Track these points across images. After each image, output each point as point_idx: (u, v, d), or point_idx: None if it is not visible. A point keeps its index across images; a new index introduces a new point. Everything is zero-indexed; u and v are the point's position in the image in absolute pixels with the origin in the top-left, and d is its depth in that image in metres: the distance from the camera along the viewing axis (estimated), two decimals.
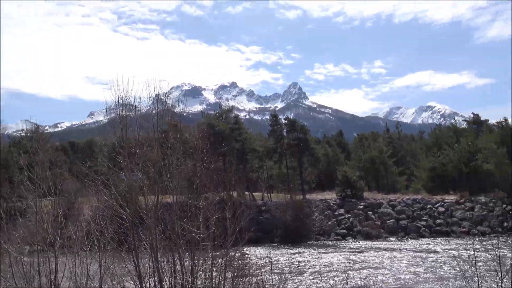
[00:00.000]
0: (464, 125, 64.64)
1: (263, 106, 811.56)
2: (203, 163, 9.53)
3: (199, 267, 8.03)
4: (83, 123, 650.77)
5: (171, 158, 8.77)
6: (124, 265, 8.09)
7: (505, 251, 20.87)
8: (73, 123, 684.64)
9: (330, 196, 45.09)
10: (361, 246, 31.98)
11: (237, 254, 9.00)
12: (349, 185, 41.97)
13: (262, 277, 9.40)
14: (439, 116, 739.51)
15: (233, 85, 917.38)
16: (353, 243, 33.76)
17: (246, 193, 44.86)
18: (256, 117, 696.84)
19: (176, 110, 10.63)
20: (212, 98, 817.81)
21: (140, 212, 8.24)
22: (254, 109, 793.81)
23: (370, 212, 38.83)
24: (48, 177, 8.49)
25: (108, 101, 8.86)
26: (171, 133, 9.49)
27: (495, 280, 6.69)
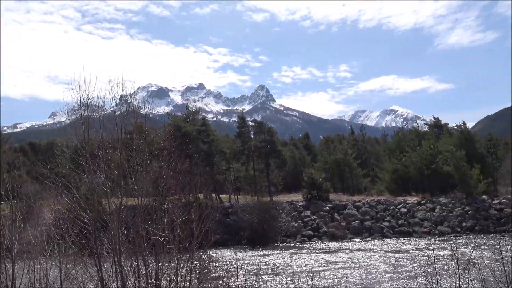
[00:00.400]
0: (426, 128, 66.72)
1: (230, 108, 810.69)
2: (169, 165, 9.41)
3: (164, 271, 7.92)
4: (44, 123, 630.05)
5: (136, 160, 8.61)
6: (86, 270, 7.87)
7: (463, 250, 21.65)
8: (34, 124, 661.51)
9: (297, 197, 45.49)
10: (326, 247, 32.41)
11: (203, 257, 8.93)
12: (315, 187, 42.49)
13: (228, 279, 9.37)
14: (401, 120, 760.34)
15: (201, 86, 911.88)
16: (319, 244, 34.17)
17: (213, 195, 44.61)
18: (224, 119, 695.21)
19: (142, 111, 10.46)
20: (179, 100, 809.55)
21: (103, 215, 8.04)
22: (222, 111, 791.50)
23: (336, 214, 39.44)
24: (5, 180, 8.17)
25: (70, 101, 8.62)
26: (136, 134, 9.32)
27: (453, 278, 6.94)
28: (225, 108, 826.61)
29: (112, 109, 9.58)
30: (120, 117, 8.77)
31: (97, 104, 9.07)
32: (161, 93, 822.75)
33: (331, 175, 55.40)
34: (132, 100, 10.42)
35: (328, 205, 40.76)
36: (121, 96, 9.45)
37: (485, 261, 7.89)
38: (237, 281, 9.37)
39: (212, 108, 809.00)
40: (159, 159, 9.67)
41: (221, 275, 9.38)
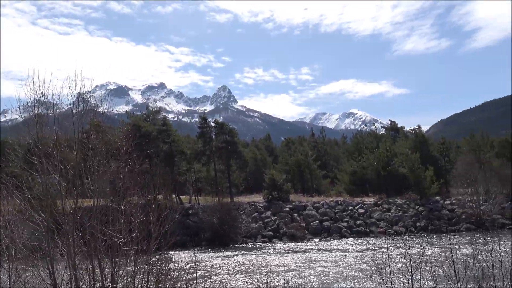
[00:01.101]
0: (383, 131, 68.76)
1: (192, 108, 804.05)
2: (127, 165, 9.21)
3: (121, 273, 7.72)
4: None
5: (93, 160, 8.36)
6: (37, 274, 7.54)
7: (416, 249, 22.47)
8: None
9: (258, 198, 45.67)
10: (286, 248, 32.72)
11: (161, 259, 8.78)
12: (276, 188, 42.82)
13: (187, 281, 9.26)
14: (360, 123, 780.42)
15: (162, 86, 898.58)
16: (279, 245, 34.44)
17: (173, 196, 44.06)
18: (185, 119, 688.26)
19: (100, 109, 10.17)
20: (139, 99, 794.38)
21: (57, 216, 7.75)
22: (183, 111, 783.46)
23: (296, 214, 39.89)
24: None
25: (23, 98, 8.26)
26: (93, 133, 9.06)
27: (406, 276, 7.19)
28: (187, 108, 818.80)
29: (68, 107, 9.27)
30: (77, 115, 8.51)
31: (52, 101, 8.74)
32: (121, 92, 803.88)
33: (291, 176, 55.99)
34: (90, 98, 10.14)
35: (289, 206, 41.18)
36: (79, 93, 9.17)
37: (437, 259, 8.22)
38: (196, 283, 9.28)
39: (173, 108, 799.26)
40: (117, 159, 9.45)
41: (180, 276, 9.27)
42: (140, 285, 8.07)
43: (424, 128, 65.21)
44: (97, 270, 7.64)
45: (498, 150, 61.55)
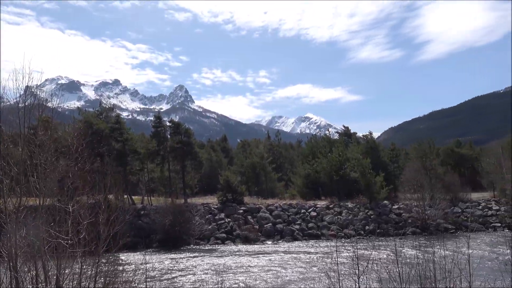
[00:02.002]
0: (336, 136, 70.44)
1: (147, 107, 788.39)
2: (77, 163, 8.89)
3: (66, 276, 7.43)
4: None
5: (40, 157, 8.01)
6: None
7: (364, 252, 23.16)
8: None
9: (212, 200, 45.42)
10: (239, 250, 32.75)
11: (110, 261, 8.53)
12: (231, 190, 42.77)
13: (136, 283, 9.06)
14: (315, 127, 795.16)
15: (116, 82, 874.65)
16: (231, 247, 34.42)
17: (125, 196, 43.00)
18: (140, 117, 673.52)
19: (49, 104, 9.78)
20: (92, 95, 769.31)
21: None
22: (138, 109, 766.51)
23: (250, 216, 40.03)
24: None
25: None
26: (41, 129, 8.67)
27: (354, 278, 7.41)
28: (142, 106, 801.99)
29: (15, 100, 8.82)
30: (24, 109, 8.11)
31: None
32: (72, 87, 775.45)
33: (246, 178, 56.15)
34: (39, 92, 9.73)
35: (243, 208, 41.26)
36: (27, 87, 8.75)
37: (383, 261, 8.52)
38: (146, 285, 9.10)
39: (128, 105, 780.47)
40: (66, 156, 9.11)
41: (129, 279, 9.05)
42: None
43: (376, 135, 67.54)
44: (40, 273, 7.31)
45: (443, 158, 64.92)
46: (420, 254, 8.00)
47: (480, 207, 43.73)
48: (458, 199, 45.07)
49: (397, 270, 7.33)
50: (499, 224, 39.65)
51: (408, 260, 7.83)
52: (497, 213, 41.74)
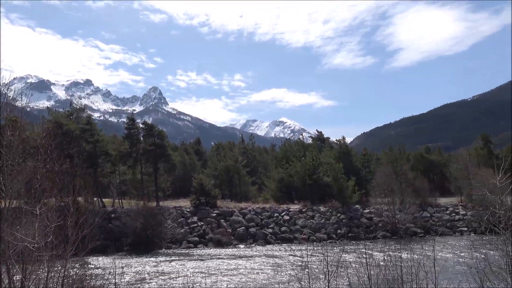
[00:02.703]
0: (310, 141, 71.13)
1: (120, 108, 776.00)
2: (45, 164, 8.67)
3: (32, 281, 7.22)
4: None
5: (7, 158, 7.77)
6: None
7: (335, 255, 23.37)
8: None
9: (185, 203, 45.06)
10: (211, 254, 32.57)
11: (78, 265, 8.34)
12: (204, 193, 42.53)
13: (105, 286, 8.88)
14: (289, 131, 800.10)
15: (88, 82, 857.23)
16: (204, 251, 34.20)
17: (95, 199, 42.14)
18: (112, 119, 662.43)
19: (18, 103, 9.51)
20: (62, 95, 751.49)
21: None
22: (110, 111, 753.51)
23: (223, 220, 39.90)
24: None
25: None
26: (9, 129, 8.42)
27: (324, 282, 7.50)
28: (114, 107, 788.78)
29: None
30: None
31: None
32: (42, 86, 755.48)
33: (220, 181, 55.99)
34: (7, 91, 9.46)
35: (216, 211, 41.09)
36: None
37: (353, 265, 8.66)
38: None
39: (100, 106, 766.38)
40: (35, 157, 8.87)
41: (97, 284, 8.86)
42: None
43: (348, 140, 68.49)
44: (4, 277, 7.08)
45: (413, 163, 66.47)
46: (388, 258, 8.18)
47: (448, 211, 44.97)
48: (427, 204, 46.23)
49: (366, 273, 7.47)
50: (466, 229, 40.84)
51: (377, 264, 7.99)
52: (464, 217, 43.00)
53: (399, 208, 40.86)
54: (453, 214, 44.34)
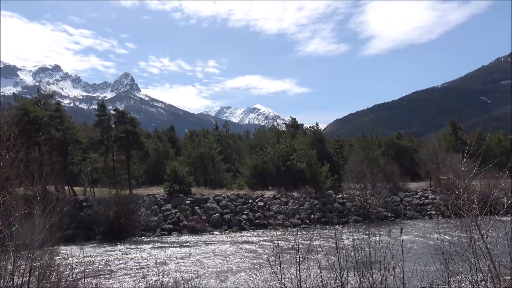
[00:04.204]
0: (284, 127, 71.45)
1: (90, 95, 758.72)
2: (9, 152, 8.38)
3: None
4: None
5: None
6: None
7: (307, 240, 23.72)
8: None
9: (158, 191, 44.70)
10: (185, 241, 32.51)
11: (46, 254, 8.14)
12: (178, 180, 42.25)
13: (74, 278, 8.73)
14: (263, 118, 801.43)
15: (57, 68, 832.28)
16: (178, 238, 34.10)
17: (66, 187, 41.31)
18: (82, 105, 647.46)
19: None
20: (29, 81, 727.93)
21: None
22: (80, 97, 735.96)
23: (197, 207, 39.81)
24: None
25: None
26: None
27: (295, 267, 7.60)
28: (85, 94, 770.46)
29: None
30: None
31: None
32: (8, 72, 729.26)
33: (194, 168, 55.71)
34: None
35: (190, 198, 40.94)
36: None
37: (324, 249, 8.80)
38: (84, 280, 8.79)
39: (69, 93, 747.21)
40: None
41: (67, 274, 8.69)
42: (20, 284, 7.41)
43: (322, 126, 69.23)
44: None
45: (384, 149, 67.78)
46: (358, 241, 8.34)
47: (417, 196, 46.23)
48: (398, 189, 47.39)
49: (337, 257, 7.60)
50: (434, 212, 42.08)
51: (347, 247, 8.13)
52: (433, 201, 44.29)
53: (370, 193, 41.70)
54: (422, 198, 45.61)
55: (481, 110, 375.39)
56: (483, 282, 7.42)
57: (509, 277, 8.00)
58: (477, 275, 7.28)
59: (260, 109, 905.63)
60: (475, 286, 7.33)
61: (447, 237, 8.44)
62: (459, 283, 7.91)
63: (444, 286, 8.94)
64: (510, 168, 10.74)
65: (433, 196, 45.63)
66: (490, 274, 7.14)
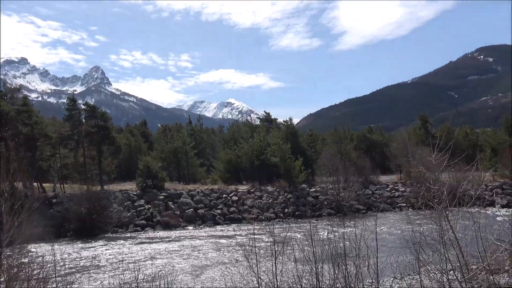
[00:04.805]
0: (258, 122, 71.56)
1: (59, 89, 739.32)
2: None
3: None
4: None
5: None
6: None
7: (282, 234, 23.89)
8: None
9: (131, 186, 44.10)
10: (159, 236, 32.23)
11: (15, 253, 7.90)
12: (151, 176, 41.74)
13: (44, 277, 8.51)
14: (237, 112, 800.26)
15: (23, 61, 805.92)
16: (151, 234, 33.76)
17: (35, 184, 40.19)
18: (51, 99, 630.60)
19: None
20: None
21: None
22: (49, 91, 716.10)
23: (170, 202, 39.46)
24: None
25: None
26: None
27: (272, 260, 7.64)
28: (53, 88, 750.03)
29: None
30: None
31: None
32: None
33: (167, 163, 55.16)
34: None
35: (163, 194, 40.54)
36: None
37: (298, 243, 8.88)
38: (56, 278, 8.59)
39: (37, 86, 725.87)
40: None
41: (37, 273, 8.47)
42: None
43: (295, 121, 69.80)
44: None
45: (356, 143, 68.84)
46: (332, 234, 8.46)
47: (388, 189, 47.21)
48: (369, 182, 48.26)
49: (312, 249, 7.69)
50: (405, 204, 43.09)
51: (322, 240, 8.24)
52: (403, 194, 45.32)
53: (343, 186, 42.31)
54: (393, 191, 46.62)
55: (449, 104, 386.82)
56: (452, 271, 7.66)
57: (476, 266, 8.29)
58: (446, 265, 7.51)
59: (234, 103, 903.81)
60: (445, 275, 7.55)
61: (418, 228, 8.67)
62: (429, 273, 8.13)
63: (415, 276, 9.19)
64: (477, 162, 11.10)
65: (403, 189, 46.69)
66: (458, 264, 7.38)
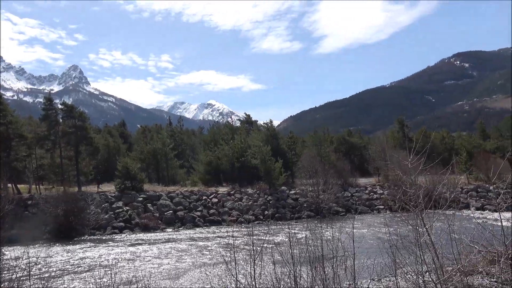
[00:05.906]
0: (238, 123, 71.57)
1: (36, 87, 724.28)
2: None
3: None
4: None
5: None
6: None
7: (261, 236, 23.96)
8: None
9: (109, 188, 43.54)
10: (137, 239, 31.85)
11: None
12: (129, 177, 41.26)
13: (18, 281, 8.31)
14: (218, 114, 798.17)
15: None
16: (129, 236, 33.32)
17: (9, 185, 39.26)
18: (27, 98, 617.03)
19: None
20: None
21: None
22: (25, 90, 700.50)
23: (149, 204, 39.06)
24: None
25: None
26: None
27: (249, 263, 7.65)
28: (30, 86, 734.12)
29: None
30: None
31: None
32: None
33: (147, 165, 54.60)
34: None
35: (142, 195, 40.12)
36: None
37: (278, 245, 8.92)
38: (30, 282, 8.40)
39: (13, 85, 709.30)
40: None
41: (10, 277, 8.26)
42: None
43: (276, 123, 70.17)
44: None
45: (336, 145, 69.59)
46: (311, 236, 8.53)
47: (367, 191, 47.82)
48: (348, 184, 48.80)
49: (290, 252, 7.73)
50: (382, 207, 43.70)
51: (301, 242, 8.29)
52: (381, 196, 45.97)
53: (322, 188, 42.63)
54: (371, 194, 47.23)
55: (426, 108, 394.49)
56: (427, 273, 7.80)
57: (451, 268, 8.47)
58: (422, 267, 7.65)
59: (214, 105, 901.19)
60: (420, 277, 7.69)
61: (395, 230, 8.80)
62: (405, 275, 8.27)
63: (392, 278, 9.34)
64: (452, 165, 11.36)
65: (381, 192, 47.35)
66: (434, 266, 7.53)
